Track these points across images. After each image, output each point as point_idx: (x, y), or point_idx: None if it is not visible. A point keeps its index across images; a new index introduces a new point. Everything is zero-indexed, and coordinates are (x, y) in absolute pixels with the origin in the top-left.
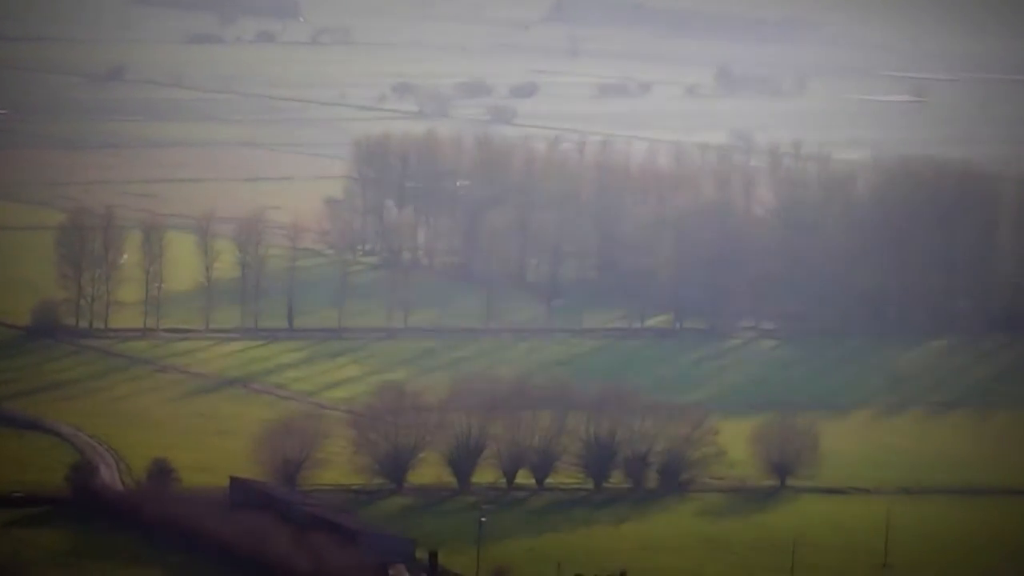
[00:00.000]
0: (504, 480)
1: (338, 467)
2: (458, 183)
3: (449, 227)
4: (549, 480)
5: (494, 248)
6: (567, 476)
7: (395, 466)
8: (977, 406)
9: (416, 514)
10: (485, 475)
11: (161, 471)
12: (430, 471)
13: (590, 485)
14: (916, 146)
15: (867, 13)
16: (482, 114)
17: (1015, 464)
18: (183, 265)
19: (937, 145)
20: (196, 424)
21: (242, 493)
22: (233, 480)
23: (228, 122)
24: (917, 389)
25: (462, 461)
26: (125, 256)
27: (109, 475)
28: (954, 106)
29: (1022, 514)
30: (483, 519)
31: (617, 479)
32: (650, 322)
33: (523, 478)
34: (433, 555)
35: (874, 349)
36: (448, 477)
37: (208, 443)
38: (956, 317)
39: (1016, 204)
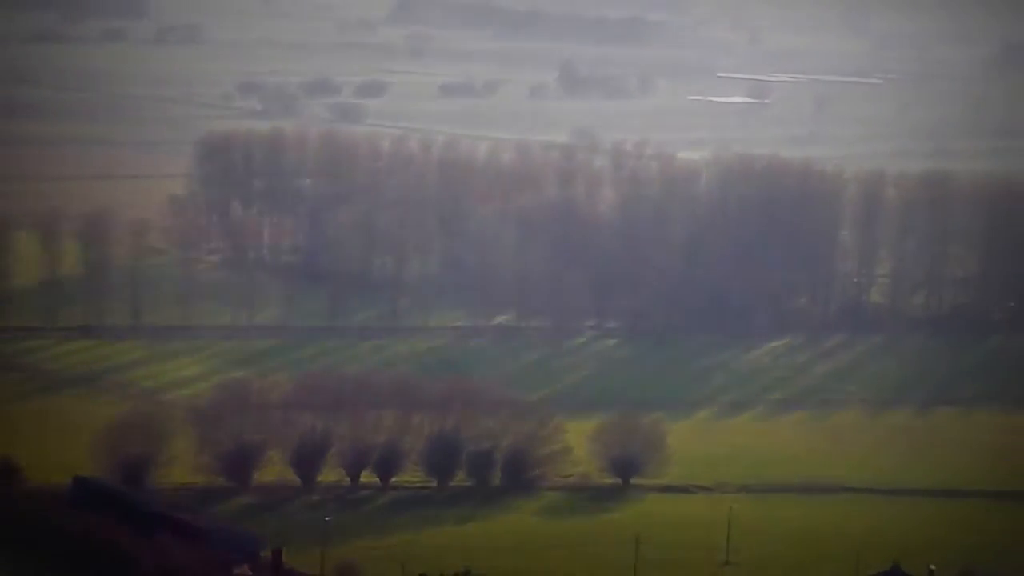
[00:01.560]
0: (349, 479)
1: (182, 466)
2: (303, 181)
3: (294, 225)
4: (394, 479)
5: (339, 246)
6: (412, 475)
7: (239, 465)
8: (817, 404)
9: (260, 513)
10: (330, 474)
11: (5, 470)
12: (274, 470)
13: (435, 484)
14: (757, 146)
15: (709, 14)
16: (328, 113)
17: (853, 462)
18: (28, 263)
19: (777, 145)
20: (40, 422)
21: (86, 492)
22: (76, 479)
23: (74, 120)
24: (758, 387)
25: (307, 460)
26: None
27: None
28: (794, 106)
29: (859, 511)
30: (328, 518)
31: (462, 477)
32: (495, 320)
33: (368, 477)
34: (277, 554)
35: (716, 348)
36: (292, 476)
37: (53, 442)
38: (797, 316)
39: (855, 203)
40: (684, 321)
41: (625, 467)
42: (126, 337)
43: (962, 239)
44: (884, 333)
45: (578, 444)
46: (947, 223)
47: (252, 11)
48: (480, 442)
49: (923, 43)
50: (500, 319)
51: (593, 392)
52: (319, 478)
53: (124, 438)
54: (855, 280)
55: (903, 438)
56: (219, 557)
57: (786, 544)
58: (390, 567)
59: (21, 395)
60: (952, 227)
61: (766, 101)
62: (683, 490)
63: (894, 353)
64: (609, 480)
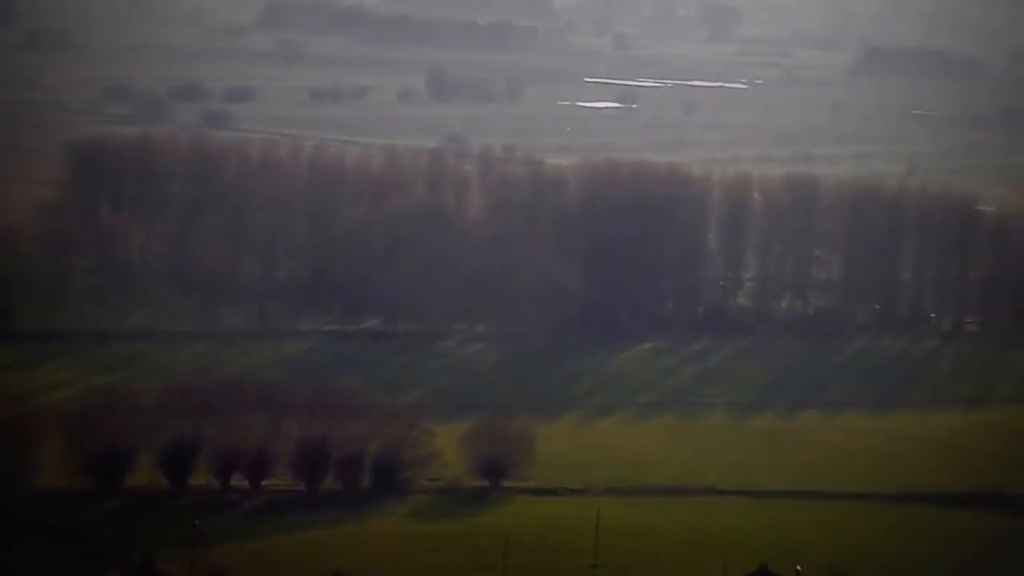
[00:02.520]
0: (219, 483)
1: (53, 470)
2: (173, 187)
3: (163, 230)
4: (264, 482)
5: (208, 251)
6: (282, 479)
7: (110, 469)
8: (684, 408)
9: (130, 517)
10: (200, 478)
11: None
12: (144, 474)
13: (304, 488)
14: (624, 151)
15: (576, 20)
16: (197, 118)
17: (720, 464)
18: None
19: (645, 150)
20: None
21: None
22: None
23: None
24: (626, 391)
25: (176, 464)
26: None
27: None
28: (661, 112)
29: (727, 513)
30: (198, 522)
31: (331, 481)
32: (364, 324)
33: (238, 481)
34: (147, 557)
35: (584, 351)
36: (162, 480)
37: None
38: (664, 319)
39: (721, 207)
40: (552, 325)
41: (494, 470)
42: None
43: (826, 242)
44: (750, 336)
45: (447, 447)
46: (811, 227)
47: (121, 16)
48: (349, 446)
49: (787, 48)
50: (369, 323)
51: (462, 395)
52: (189, 482)
53: None
54: (721, 284)
55: (769, 441)
56: (89, 562)
57: (654, 546)
58: (261, 570)
59: None
60: (816, 231)
61: (633, 106)
62: (552, 493)
63: (760, 356)
64: (478, 483)
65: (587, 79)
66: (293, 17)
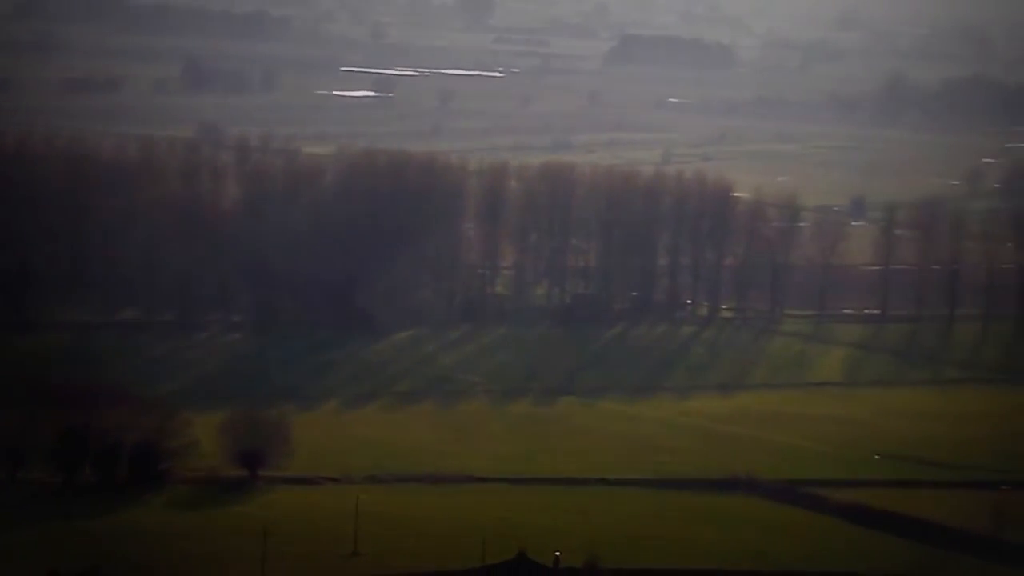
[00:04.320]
0: None
1: None
2: None
3: None
4: (20, 474)
5: None
6: (38, 470)
7: None
8: (443, 395)
9: None
10: None
11: None
12: None
13: (61, 479)
14: (382, 140)
15: (332, 9)
16: None
17: (479, 451)
18: None
19: (402, 139)
20: None
21: None
22: None
23: None
24: (384, 379)
25: None
26: None
27: None
28: (418, 101)
29: (486, 500)
30: None
31: (89, 472)
32: (120, 315)
33: None
34: None
35: (342, 340)
36: None
37: None
38: (422, 308)
39: (478, 196)
40: (310, 314)
41: (252, 459)
42: None
43: (583, 230)
44: (508, 324)
45: (205, 437)
46: (568, 215)
47: None
48: (106, 437)
49: (542, 37)
50: (125, 313)
51: (219, 385)
52: None
53: None
54: (479, 272)
55: (528, 428)
56: None
57: (413, 534)
58: (19, 563)
59: None
60: (573, 219)
61: (390, 95)
62: (311, 482)
63: (518, 344)
64: (237, 473)
65: (344, 68)
66: (48, 6)
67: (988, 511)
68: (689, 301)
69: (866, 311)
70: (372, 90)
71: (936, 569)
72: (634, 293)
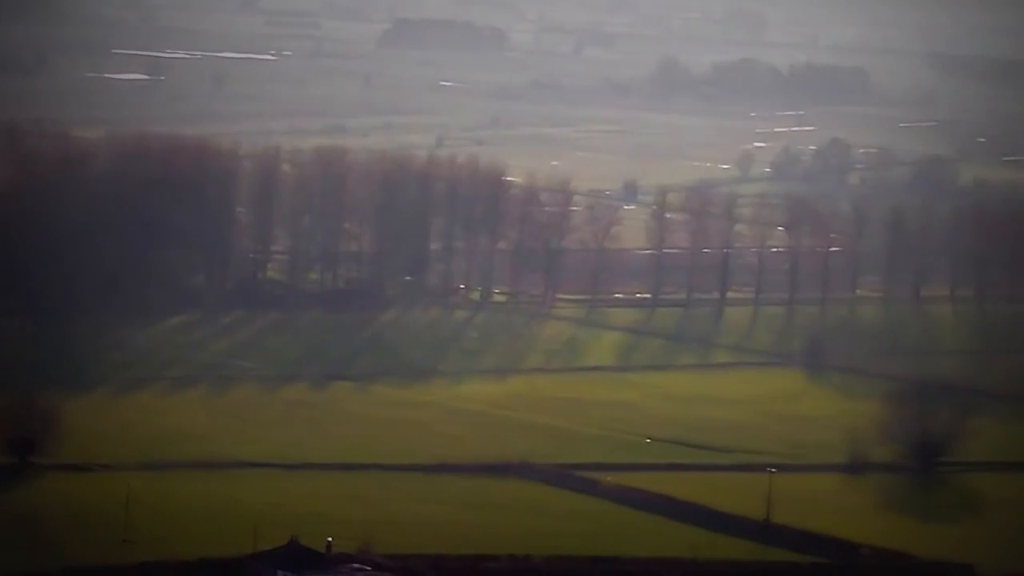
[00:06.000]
0: None
1: None
2: None
3: None
4: None
5: None
6: None
7: None
8: (215, 381)
9: None
10: None
11: None
12: None
13: None
14: (154, 123)
15: None
16: None
17: (252, 437)
18: None
19: (175, 123)
20: None
21: None
22: None
23: None
24: (156, 365)
25: None
26: None
27: None
28: (191, 84)
29: (259, 486)
30: None
31: None
32: None
33: None
34: None
35: (112, 326)
36: None
37: None
38: (193, 293)
39: (251, 180)
40: (80, 300)
41: (22, 446)
42: None
43: (356, 215)
44: (281, 309)
45: None
46: (342, 199)
47: None
48: None
49: (315, 20)
50: None
51: None
52: None
53: None
54: (251, 257)
55: (301, 413)
56: None
57: (185, 520)
58: None
59: None
60: (347, 203)
61: (162, 78)
62: (82, 468)
63: (291, 329)
64: (6, 460)
65: (115, 50)
66: None
67: (757, 494)
68: (462, 286)
69: (638, 295)
70: (144, 73)
71: (706, 550)
72: (408, 277)
